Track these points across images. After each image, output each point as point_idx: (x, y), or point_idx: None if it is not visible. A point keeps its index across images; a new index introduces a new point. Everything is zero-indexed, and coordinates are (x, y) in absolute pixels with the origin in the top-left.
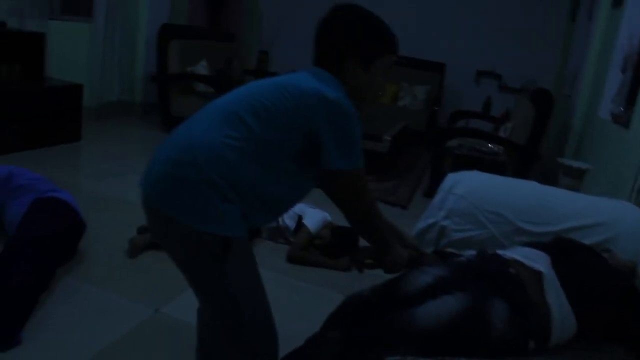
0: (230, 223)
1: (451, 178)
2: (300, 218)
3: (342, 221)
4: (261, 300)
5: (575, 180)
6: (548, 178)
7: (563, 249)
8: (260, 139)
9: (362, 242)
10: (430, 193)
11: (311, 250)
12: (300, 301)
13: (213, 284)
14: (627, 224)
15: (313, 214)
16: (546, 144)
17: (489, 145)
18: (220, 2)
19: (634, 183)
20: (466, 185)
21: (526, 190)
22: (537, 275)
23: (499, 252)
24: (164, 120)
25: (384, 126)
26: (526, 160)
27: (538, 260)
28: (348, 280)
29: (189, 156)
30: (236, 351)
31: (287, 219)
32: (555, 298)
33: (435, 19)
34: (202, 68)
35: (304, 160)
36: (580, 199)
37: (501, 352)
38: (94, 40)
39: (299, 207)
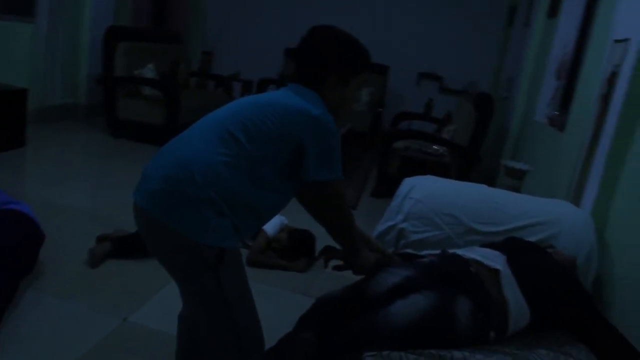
0: (225, 236)
1: (407, 183)
2: None
3: (298, 224)
4: (250, 306)
5: (516, 180)
6: (488, 178)
7: (515, 248)
8: (251, 155)
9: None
10: (377, 194)
11: (269, 254)
12: (260, 303)
13: (207, 291)
14: (568, 222)
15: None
16: (485, 145)
17: (434, 147)
18: (164, 3)
19: (569, 183)
20: (422, 190)
21: (477, 193)
22: (495, 273)
23: (459, 252)
24: (109, 124)
25: None
26: (468, 161)
27: (495, 260)
28: (306, 282)
29: (186, 174)
30: (228, 353)
31: None
32: (511, 293)
33: (378, 22)
34: (149, 71)
35: (289, 172)
36: (524, 200)
37: (465, 343)
38: (36, 42)
39: None
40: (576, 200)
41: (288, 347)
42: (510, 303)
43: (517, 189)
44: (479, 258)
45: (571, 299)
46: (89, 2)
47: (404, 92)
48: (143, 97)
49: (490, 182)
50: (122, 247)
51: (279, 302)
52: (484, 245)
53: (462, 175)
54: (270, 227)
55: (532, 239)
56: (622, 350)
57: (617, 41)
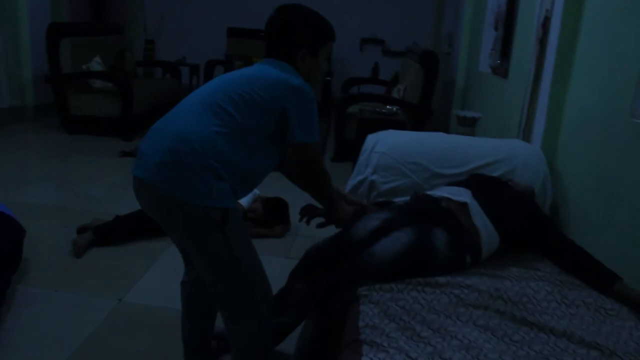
0: (226, 197)
1: (371, 138)
2: None
3: (270, 194)
4: (257, 260)
5: (469, 128)
6: (441, 130)
7: (479, 183)
8: (242, 125)
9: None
10: (337, 158)
11: (247, 224)
12: None
13: (217, 250)
14: (521, 157)
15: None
16: (434, 100)
17: (387, 106)
18: None
19: (519, 124)
20: (386, 143)
21: (437, 140)
22: (464, 205)
23: (429, 193)
24: (63, 121)
25: None
26: (420, 116)
27: (462, 195)
28: (285, 245)
29: (187, 145)
30: (242, 306)
31: None
32: (480, 221)
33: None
34: (96, 64)
35: (276, 138)
36: (480, 142)
37: (446, 269)
38: None
39: None
40: (526, 138)
41: (284, 300)
42: (481, 230)
43: (470, 136)
44: (447, 195)
45: (533, 221)
46: (23, 3)
47: (350, 59)
48: (94, 91)
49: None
50: (104, 235)
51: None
52: (451, 184)
53: (417, 129)
54: (245, 199)
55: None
56: (581, 257)
57: None
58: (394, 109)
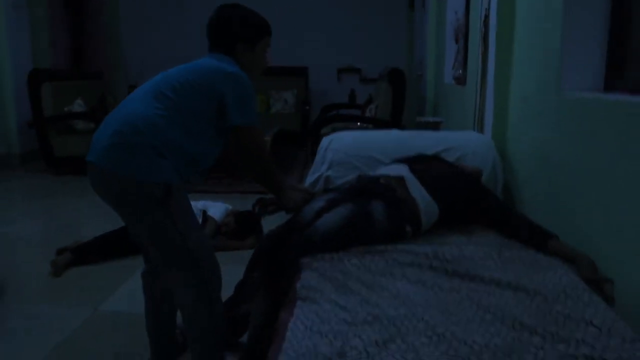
0: (168, 173)
1: (326, 139)
2: (204, 212)
3: (242, 208)
4: (202, 235)
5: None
6: None
7: (418, 159)
8: (181, 107)
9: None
10: None
11: (220, 238)
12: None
13: (162, 225)
14: (472, 145)
15: (216, 206)
16: (407, 117)
17: (358, 124)
18: (82, 43)
19: (473, 120)
20: (340, 141)
21: (390, 136)
22: (401, 179)
23: (371, 173)
24: (48, 164)
25: None
26: None
27: (398, 170)
28: None
29: (131, 127)
30: (190, 281)
31: None
32: (418, 192)
33: (291, 28)
34: (78, 106)
35: (215, 124)
36: (434, 134)
37: (387, 238)
38: None
39: (202, 203)
40: (480, 130)
41: (244, 288)
42: (418, 200)
43: None
44: (385, 172)
45: (472, 192)
46: (5, 50)
47: (327, 89)
48: (77, 132)
49: None
50: (82, 254)
51: (236, 276)
52: (394, 160)
53: None
54: (217, 214)
55: None
56: (519, 221)
57: None
58: (365, 126)
